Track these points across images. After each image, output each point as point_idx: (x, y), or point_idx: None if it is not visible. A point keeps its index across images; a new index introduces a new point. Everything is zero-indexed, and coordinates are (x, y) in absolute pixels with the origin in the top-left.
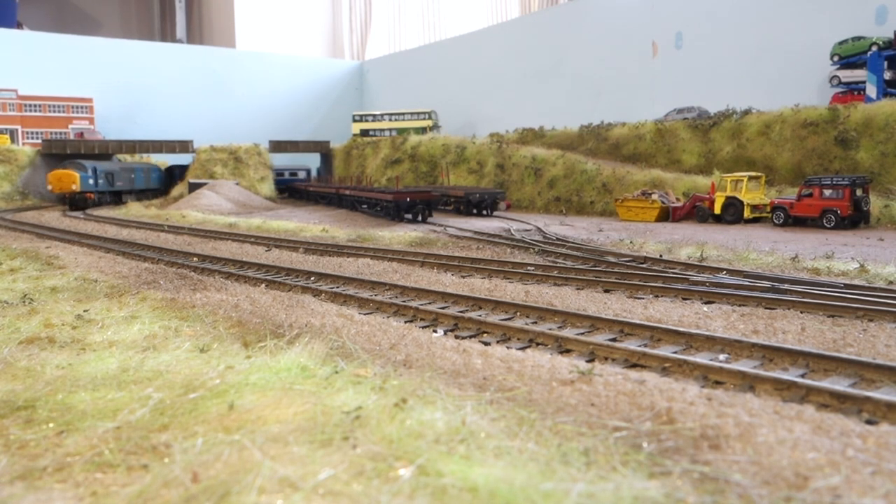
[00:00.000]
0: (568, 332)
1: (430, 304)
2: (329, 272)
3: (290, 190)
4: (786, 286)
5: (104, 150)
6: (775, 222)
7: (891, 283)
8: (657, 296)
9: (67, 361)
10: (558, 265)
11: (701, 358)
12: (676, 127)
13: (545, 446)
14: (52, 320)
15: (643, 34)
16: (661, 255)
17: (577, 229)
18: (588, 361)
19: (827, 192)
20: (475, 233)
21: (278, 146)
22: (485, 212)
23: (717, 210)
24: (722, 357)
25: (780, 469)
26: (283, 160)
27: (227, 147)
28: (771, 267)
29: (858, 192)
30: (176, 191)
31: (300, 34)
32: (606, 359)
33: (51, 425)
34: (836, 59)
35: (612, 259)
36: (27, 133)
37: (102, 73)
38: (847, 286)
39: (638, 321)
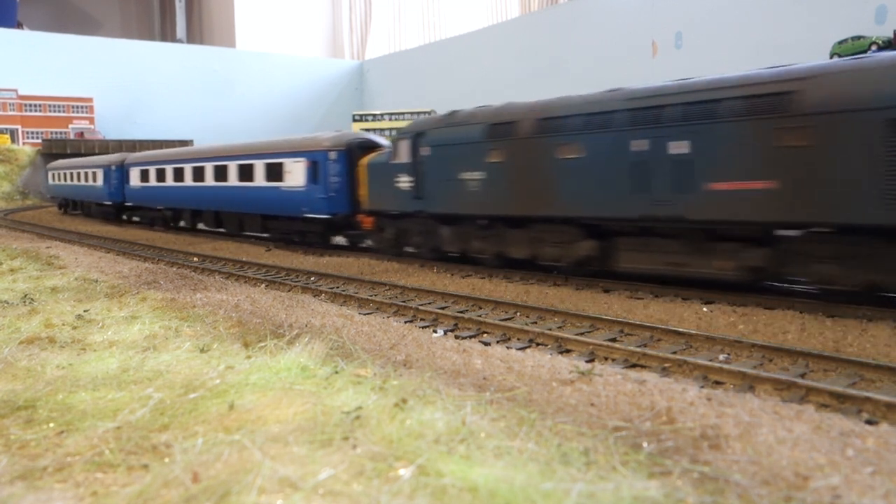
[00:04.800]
0: (568, 332)
1: (430, 304)
2: (329, 272)
3: None
4: (786, 285)
5: (104, 150)
6: None
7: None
8: (657, 296)
9: (68, 361)
10: (558, 265)
11: (701, 358)
12: None
13: (545, 446)
14: (53, 320)
15: (643, 34)
16: None
17: None
18: (588, 361)
19: None
20: None
21: None
22: None
23: None
24: (722, 357)
25: (779, 469)
26: None
27: None
28: None
29: None
30: None
31: (300, 34)
32: (606, 359)
33: (51, 425)
34: (835, 58)
35: None
36: (27, 133)
37: (102, 73)
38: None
39: (638, 321)
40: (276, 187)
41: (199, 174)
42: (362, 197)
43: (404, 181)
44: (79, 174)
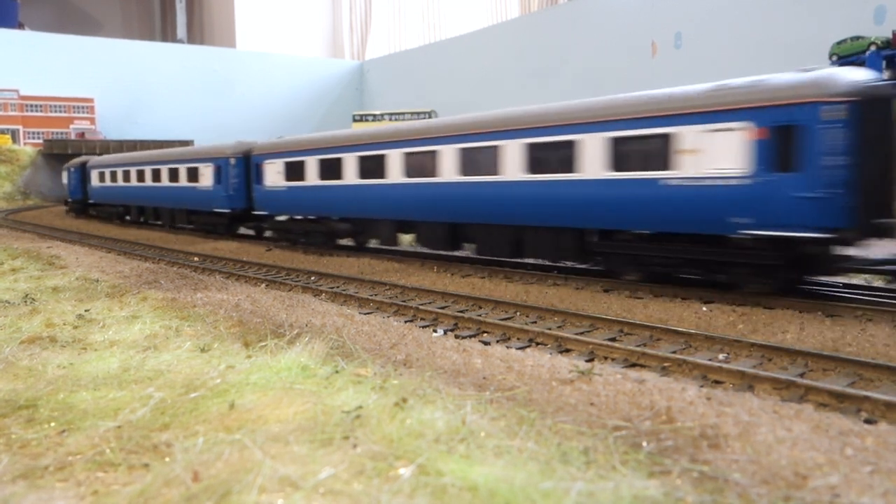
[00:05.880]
0: (568, 332)
1: (430, 303)
2: (329, 272)
3: None
4: None
5: (105, 150)
6: None
7: (889, 282)
8: (657, 295)
9: (69, 361)
10: (558, 264)
11: (700, 357)
12: None
13: (545, 445)
14: (54, 320)
15: (643, 34)
16: None
17: None
18: (588, 361)
19: None
20: None
21: None
22: None
23: None
24: (721, 356)
25: (778, 468)
26: None
27: None
28: None
29: None
30: None
31: (300, 34)
32: (606, 358)
33: (52, 424)
34: (834, 58)
35: None
36: (28, 133)
37: (103, 74)
38: (846, 286)
39: (638, 321)
40: (652, 180)
41: (421, 165)
42: None
43: None
44: (157, 172)
